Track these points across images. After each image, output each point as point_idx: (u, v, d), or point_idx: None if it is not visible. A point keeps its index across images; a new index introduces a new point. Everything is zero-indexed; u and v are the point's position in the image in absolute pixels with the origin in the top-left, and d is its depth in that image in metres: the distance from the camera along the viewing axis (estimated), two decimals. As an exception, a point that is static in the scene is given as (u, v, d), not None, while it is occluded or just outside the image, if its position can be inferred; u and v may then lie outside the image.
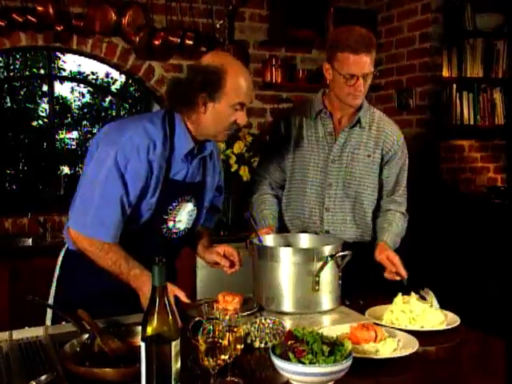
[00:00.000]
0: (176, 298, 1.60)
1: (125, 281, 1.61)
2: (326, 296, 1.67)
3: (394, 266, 1.85)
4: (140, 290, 1.60)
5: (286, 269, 1.66)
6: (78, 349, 1.33)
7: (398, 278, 1.86)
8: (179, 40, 3.78)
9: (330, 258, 1.64)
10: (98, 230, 1.60)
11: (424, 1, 3.92)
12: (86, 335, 1.37)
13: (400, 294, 1.68)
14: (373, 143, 2.04)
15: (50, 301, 1.77)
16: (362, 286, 1.89)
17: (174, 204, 1.71)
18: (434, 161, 4.03)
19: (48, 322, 1.73)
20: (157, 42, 3.76)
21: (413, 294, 1.68)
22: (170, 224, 1.73)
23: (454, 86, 4.24)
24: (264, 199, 2.10)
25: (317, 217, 2.04)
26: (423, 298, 1.69)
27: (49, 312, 1.75)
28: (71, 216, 1.66)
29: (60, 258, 1.81)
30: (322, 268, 1.63)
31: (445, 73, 4.14)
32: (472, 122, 4.28)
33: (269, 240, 1.85)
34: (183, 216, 1.75)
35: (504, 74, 4.34)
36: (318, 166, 2.04)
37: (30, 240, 3.54)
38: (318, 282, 1.63)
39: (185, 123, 1.68)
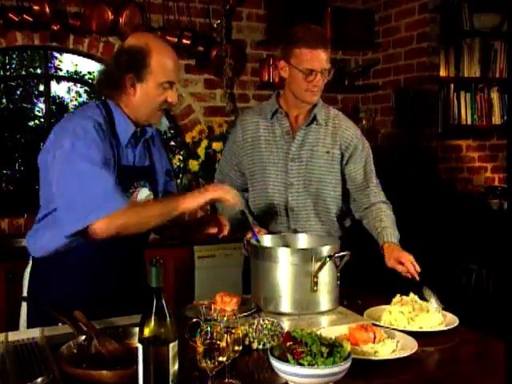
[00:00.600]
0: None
1: (168, 210, 1.59)
2: (325, 297, 1.67)
3: (405, 267, 1.84)
4: (203, 195, 1.61)
5: (284, 269, 1.66)
6: (75, 350, 1.33)
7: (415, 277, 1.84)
8: (176, 40, 3.76)
9: (328, 259, 1.63)
10: (108, 204, 1.53)
11: (421, 1, 3.92)
12: (83, 337, 1.36)
13: (398, 295, 1.67)
14: (330, 139, 2.06)
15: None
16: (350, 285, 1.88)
17: (131, 190, 1.71)
18: (431, 161, 4.03)
19: (23, 318, 1.72)
20: (154, 42, 3.75)
21: (411, 294, 1.67)
22: (133, 195, 1.72)
23: (452, 85, 4.25)
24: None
25: (283, 216, 2.05)
26: (423, 299, 1.68)
27: (23, 307, 1.74)
28: (70, 221, 1.55)
29: (28, 271, 1.76)
30: (320, 268, 1.63)
31: (442, 73, 4.14)
32: (469, 122, 4.29)
33: (266, 240, 1.85)
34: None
35: (501, 73, 4.35)
36: (277, 165, 2.05)
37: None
38: (316, 283, 1.63)
39: (121, 109, 1.68)
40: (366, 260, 2.13)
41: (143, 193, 1.75)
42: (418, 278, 1.82)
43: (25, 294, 1.77)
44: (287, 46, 1.97)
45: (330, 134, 2.07)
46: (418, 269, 1.83)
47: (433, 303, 1.67)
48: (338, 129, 2.08)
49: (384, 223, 2.00)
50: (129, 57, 1.61)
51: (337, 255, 1.66)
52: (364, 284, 1.96)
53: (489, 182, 4.63)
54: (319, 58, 1.92)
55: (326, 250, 1.65)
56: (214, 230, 1.78)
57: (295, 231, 2.01)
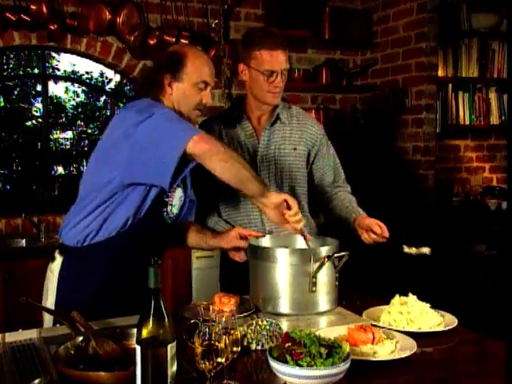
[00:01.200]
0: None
1: (261, 183, 1.65)
2: (323, 297, 1.66)
3: (379, 227, 1.90)
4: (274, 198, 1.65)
5: (282, 270, 1.65)
6: (72, 352, 1.32)
7: (380, 240, 1.90)
8: (174, 39, 3.75)
9: (326, 259, 1.62)
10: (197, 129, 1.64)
11: (419, 0, 3.92)
12: (81, 338, 1.35)
13: (397, 296, 1.67)
14: (297, 136, 2.09)
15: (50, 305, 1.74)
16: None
17: (171, 190, 1.77)
18: (429, 161, 4.03)
19: (47, 324, 1.71)
20: (152, 42, 3.74)
21: (410, 295, 1.67)
22: (169, 207, 1.79)
23: (450, 85, 4.25)
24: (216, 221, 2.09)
25: (257, 220, 2.04)
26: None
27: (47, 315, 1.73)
28: (169, 151, 1.56)
29: (58, 259, 1.77)
30: (318, 269, 1.62)
31: (440, 72, 4.14)
32: (467, 122, 4.29)
33: (265, 241, 1.84)
34: (176, 201, 1.81)
35: (499, 73, 4.35)
36: None
37: (24, 241, 3.52)
38: (315, 283, 1.62)
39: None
40: (369, 260, 2.13)
41: (178, 193, 1.82)
42: (385, 235, 1.87)
43: (48, 288, 1.78)
44: (246, 49, 1.99)
45: (296, 131, 2.10)
46: (386, 233, 1.88)
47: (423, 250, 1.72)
48: (302, 126, 2.11)
49: (354, 203, 2.08)
50: (167, 59, 1.78)
51: (335, 255, 1.65)
52: (363, 284, 1.95)
53: (487, 182, 4.63)
54: (279, 59, 1.95)
55: (324, 251, 1.65)
56: (238, 259, 1.85)
57: (270, 232, 2.00)
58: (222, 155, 1.58)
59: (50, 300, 1.75)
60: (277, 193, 1.70)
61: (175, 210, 1.82)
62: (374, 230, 1.91)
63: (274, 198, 1.65)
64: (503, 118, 4.38)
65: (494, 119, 4.37)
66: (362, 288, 1.94)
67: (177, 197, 1.81)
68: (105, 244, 1.70)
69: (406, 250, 1.81)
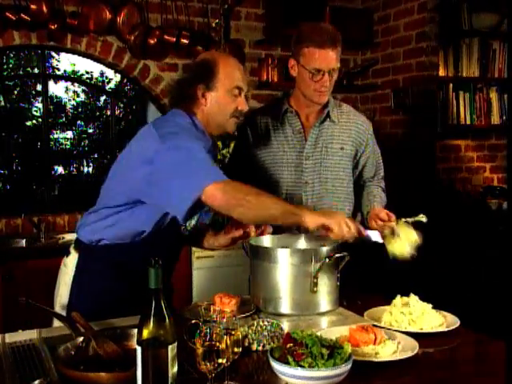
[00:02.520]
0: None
1: (291, 213, 1.56)
2: (325, 297, 1.65)
3: (388, 216, 1.88)
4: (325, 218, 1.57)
5: (283, 270, 1.64)
6: (73, 352, 1.31)
7: (388, 226, 1.85)
8: (175, 39, 3.75)
9: (327, 259, 1.62)
10: (219, 172, 1.54)
11: (420, 0, 3.91)
12: (81, 338, 1.35)
13: (399, 296, 1.66)
14: (345, 135, 2.06)
15: (63, 303, 1.75)
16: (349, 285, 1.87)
17: None
18: (430, 160, 4.02)
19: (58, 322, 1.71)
20: (152, 41, 3.74)
21: (412, 295, 1.66)
22: (187, 221, 1.75)
23: (451, 85, 4.24)
24: None
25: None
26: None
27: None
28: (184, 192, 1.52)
29: (72, 254, 1.77)
30: (320, 269, 1.61)
31: (441, 72, 4.14)
32: (468, 122, 4.28)
33: (266, 241, 1.83)
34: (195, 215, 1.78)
35: (500, 73, 4.35)
36: (291, 165, 2.03)
37: (24, 241, 3.50)
38: (316, 284, 1.61)
39: (199, 121, 1.74)
40: (370, 261, 2.12)
41: None
42: (392, 220, 1.85)
43: (61, 282, 1.78)
44: (296, 44, 1.94)
45: (345, 130, 2.07)
46: (393, 218, 1.86)
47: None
48: (352, 124, 2.08)
49: (377, 198, 2.06)
50: (198, 69, 1.73)
51: (336, 256, 1.64)
52: (364, 284, 1.95)
53: (487, 181, 4.63)
54: (327, 58, 1.88)
55: (325, 251, 1.64)
56: (239, 233, 1.78)
57: (306, 231, 1.98)
58: (242, 207, 1.50)
59: (61, 293, 1.76)
60: (313, 216, 1.57)
61: (193, 222, 1.80)
62: (380, 216, 1.88)
63: (311, 224, 1.56)
64: (504, 117, 4.37)
65: (495, 119, 4.36)
66: (362, 288, 1.93)
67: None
68: (116, 248, 1.70)
69: (403, 220, 1.82)
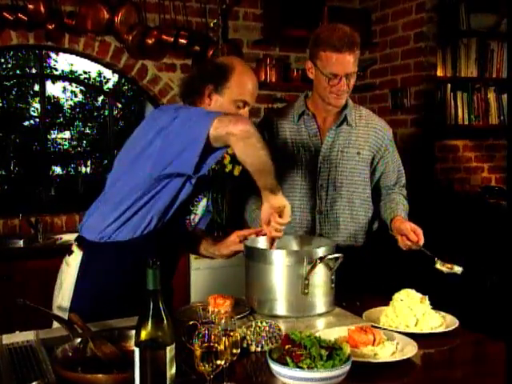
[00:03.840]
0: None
1: (273, 176, 1.58)
2: (318, 299, 1.64)
3: (416, 235, 1.83)
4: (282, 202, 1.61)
5: (277, 271, 1.63)
6: (70, 354, 1.30)
7: (414, 248, 1.84)
8: (173, 39, 3.74)
9: (319, 261, 1.60)
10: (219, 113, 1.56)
11: (418, 0, 3.91)
12: (78, 339, 1.34)
13: (397, 296, 1.65)
14: (362, 140, 2.02)
15: (62, 304, 1.74)
16: (356, 289, 1.86)
17: (200, 196, 1.79)
18: (428, 160, 4.02)
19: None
20: (150, 41, 3.73)
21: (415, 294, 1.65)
22: (192, 216, 1.78)
23: (449, 85, 4.24)
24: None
25: (308, 220, 2.00)
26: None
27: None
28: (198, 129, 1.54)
29: (76, 252, 1.76)
30: (310, 270, 1.60)
31: (439, 72, 4.14)
32: (466, 122, 4.29)
33: (261, 242, 1.81)
34: (200, 210, 1.82)
35: (498, 73, 4.35)
36: (306, 168, 2.00)
37: (22, 241, 3.49)
38: (307, 285, 1.60)
39: None
40: (369, 261, 2.11)
41: (203, 202, 1.82)
42: (420, 244, 1.82)
43: (63, 281, 1.76)
44: (313, 47, 1.90)
45: (362, 135, 2.02)
46: (421, 239, 1.82)
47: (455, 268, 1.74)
48: (370, 129, 2.04)
49: (400, 206, 2.00)
50: (213, 69, 1.74)
51: (329, 257, 1.63)
52: (362, 285, 1.94)
53: (485, 181, 4.63)
54: (344, 63, 1.84)
55: (318, 252, 1.63)
56: (240, 247, 1.80)
57: (320, 235, 1.97)
58: (249, 140, 1.52)
59: (63, 293, 1.74)
60: (283, 197, 1.64)
61: (197, 219, 1.81)
62: (409, 236, 1.83)
63: (279, 201, 1.62)
64: (502, 117, 4.37)
65: (493, 119, 4.36)
66: (360, 289, 1.92)
67: (201, 206, 1.81)
68: (122, 244, 1.69)
69: (438, 266, 1.78)
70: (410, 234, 1.83)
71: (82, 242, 1.76)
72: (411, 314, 1.57)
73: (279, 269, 1.63)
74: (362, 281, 1.95)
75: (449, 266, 1.77)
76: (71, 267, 1.75)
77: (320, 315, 1.65)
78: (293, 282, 1.62)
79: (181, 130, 1.56)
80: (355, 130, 2.02)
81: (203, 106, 1.72)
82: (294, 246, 1.85)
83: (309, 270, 1.60)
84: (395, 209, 1.98)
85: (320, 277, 1.64)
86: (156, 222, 1.68)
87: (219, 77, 1.70)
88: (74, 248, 1.77)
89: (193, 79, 1.78)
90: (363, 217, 2.05)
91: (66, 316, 1.57)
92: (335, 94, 1.91)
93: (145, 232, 1.68)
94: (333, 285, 1.68)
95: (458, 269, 1.76)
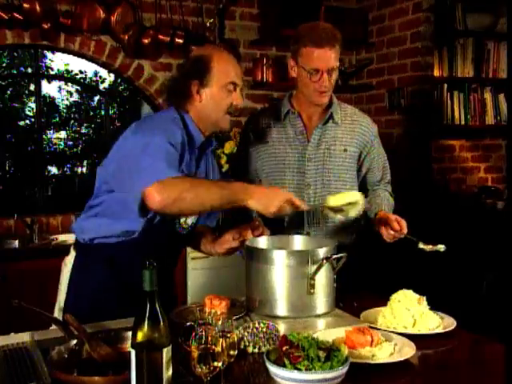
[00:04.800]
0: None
1: (232, 198, 1.57)
2: (321, 299, 1.64)
3: (399, 225, 1.85)
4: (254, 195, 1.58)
5: (279, 271, 1.62)
6: (66, 355, 1.29)
7: (398, 236, 1.86)
8: (169, 39, 3.73)
9: (325, 261, 1.60)
10: (168, 170, 1.51)
11: (415, 0, 3.91)
12: (74, 341, 1.33)
13: (395, 297, 1.65)
14: (349, 137, 2.03)
15: (61, 304, 1.75)
16: (349, 288, 1.86)
17: None
18: (424, 160, 4.02)
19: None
20: (146, 41, 3.71)
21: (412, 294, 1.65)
22: (182, 218, 1.75)
23: (445, 85, 4.25)
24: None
25: (298, 218, 2.00)
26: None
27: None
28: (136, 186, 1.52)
29: (72, 253, 1.78)
30: (317, 270, 1.60)
31: (436, 72, 4.14)
32: (463, 122, 4.29)
33: (262, 242, 1.81)
34: None
35: (494, 73, 4.35)
36: (293, 167, 2.01)
37: (17, 242, 3.48)
38: (313, 285, 1.60)
39: (191, 119, 1.73)
40: (368, 261, 2.11)
41: None
42: (403, 232, 1.84)
43: (62, 282, 1.78)
44: (294, 44, 1.92)
45: (348, 132, 2.03)
46: (404, 227, 1.84)
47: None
48: (355, 126, 2.05)
49: (384, 201, 2.03)
50: (192, 65, 1.71)
51: (334, 257, 1.63)
52: (360, 285, 1.94)
53: (482, 181, 4.63)
54: (325, 57, 1.86)
55: (322, 252, 1.62)
56: (236, 244, 1.77)
57: (308, 234, 1.97)
58: (178, 205, 1.50)
59: (61, 293, 1.76)
60: (255, 202, 1.58)
61: (190, 221, 1.78)
62: (392, 226, 1.86)
63: (254, 209, 1.60)
64: (498, 117, 4.38)
65: (489, 119, 4.37)
66: (358, 289, 1.92)
67: None
68: (109, 247, 1.69)
69: (421, 246, 1.81)
70: (393, 223, 1.86)
71: (76, 242, 1.77)
72: (409, 315, 1.56)
73: (282, 269, 1.62)
74: (354, 278, 1.95)
75: (431, 245, 1.80)
76: (67, 267, 1.76)
77: (319, 316, 1.64)
78: (295, 282, 1.61)
79: (126, 162, 1.57)
80: (341, 127, 2.03)
81: (194, 105, 1.71)
82: (295, 246, 1.84)
83: (315, 270, 1.59)
84: (380, 204, 2.02)
85: (323, 277, 1.63)
86: (141, 227, 1.66)
87: (201, 70, 1.68)
88: (71, 249, 1.79)
89: (176, 81, 1.75)
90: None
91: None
92: (318, 92, 1.92)
93: (128, 238, 1.68)
94: (335, 284, 1.68)
95: (440, 246, 1.79)
